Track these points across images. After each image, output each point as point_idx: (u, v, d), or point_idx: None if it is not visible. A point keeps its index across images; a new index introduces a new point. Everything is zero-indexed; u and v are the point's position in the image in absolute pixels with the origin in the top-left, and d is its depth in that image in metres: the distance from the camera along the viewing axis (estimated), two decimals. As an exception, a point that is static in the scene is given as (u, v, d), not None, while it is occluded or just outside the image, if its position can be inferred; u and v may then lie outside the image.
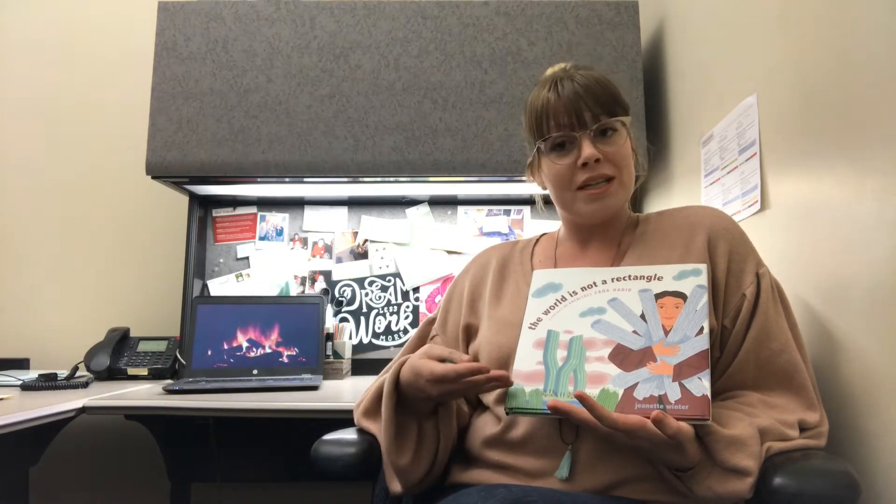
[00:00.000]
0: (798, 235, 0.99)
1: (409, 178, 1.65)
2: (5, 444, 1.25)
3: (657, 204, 1.69)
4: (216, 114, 1.62)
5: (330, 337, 1.67)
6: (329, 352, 1.65)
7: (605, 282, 0.80)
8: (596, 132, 0.83)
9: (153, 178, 1.63)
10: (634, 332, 0.74)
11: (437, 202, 1.91)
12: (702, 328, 0.71)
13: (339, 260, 1.89)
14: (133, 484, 1.85)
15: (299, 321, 1.63)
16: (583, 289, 0.81)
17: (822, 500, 0.66)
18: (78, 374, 1.53)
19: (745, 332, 0.78)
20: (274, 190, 1.80)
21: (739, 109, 1.18)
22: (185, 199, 1.83)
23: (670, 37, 1.62)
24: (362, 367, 1.76)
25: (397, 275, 1.87)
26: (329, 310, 1.75)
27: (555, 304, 0.81)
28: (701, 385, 0.66)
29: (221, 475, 1.63)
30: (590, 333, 0.76)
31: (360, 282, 1.87)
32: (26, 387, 1.39)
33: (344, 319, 1.83)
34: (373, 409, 0.88)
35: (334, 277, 1.88)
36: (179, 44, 1.65)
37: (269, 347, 1.61)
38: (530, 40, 1.65)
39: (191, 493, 1.75)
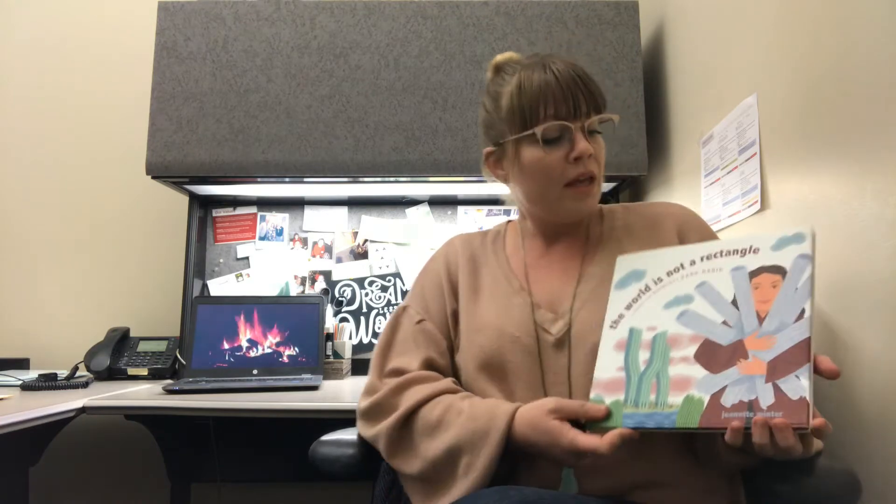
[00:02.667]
0: (798, 235, 0.99)
1: (409, 178, 1.65)
2: (5, 444, 1.25)
3: (657, 204, 1.68)
4: (216, 114, 1.62)
5: (330, 337, 1.67)
6: (329, 352, 1.65)
7: (693, 262, 0.72)
8: (587, 127, 0.80)
9: (153, 178, 1.63)
10: (724, 322, 0.65)
11: (437, 202, 1.91)
12: (802, 311, 0.61)
13: (339, 260, 1.89)
14: (133, 484, 1.85)
15: (299, 321, 1.63)
16: (668, 274, 0.73)
17: (824, 499, 0.66)
18: (78, 374, 1.53)
19: None
20: (274, 190, 1.80)
21: (739, 109, 1.18)
22: (185, 199, 1.83)
23: (670, 37, 1.62)
24: (362, 367, 1.76)
25: (397, 275, 1.87)
26: (329, 310, 1.75)
27: (638, 295, 0.74)
28: (798, 385, 0.57)
29: (221, 475, 1.63)
30: (675, 328, 0.68)
31: (360, 282, 1.87)
32: (26, 387, 1.39)
33: (344, 319, 1.83)
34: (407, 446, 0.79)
35: (334, 277, 1.88)
36: (179, 44, 1.65)
37: (269, 347, 1.61)
38: (530, 40, 1.65)
39: (191, 493, 1.75)
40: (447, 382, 0.82)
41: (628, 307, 0.74)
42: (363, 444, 0.84)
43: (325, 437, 0.87)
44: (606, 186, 1.78)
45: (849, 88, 0.87)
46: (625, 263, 0.78)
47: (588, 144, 0.79)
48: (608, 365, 0.71)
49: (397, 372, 0.84)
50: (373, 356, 0.89)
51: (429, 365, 0.85)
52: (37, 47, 2.06)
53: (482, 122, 0.90)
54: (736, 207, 1.19)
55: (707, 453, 0.71)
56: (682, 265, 0.72)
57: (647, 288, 0.73)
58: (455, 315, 0.89)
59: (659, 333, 0.69)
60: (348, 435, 0.87)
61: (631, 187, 1.84)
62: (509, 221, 0.98)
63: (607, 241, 0.86)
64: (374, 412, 0.82)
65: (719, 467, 0.72)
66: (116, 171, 1.98)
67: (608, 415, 0.67)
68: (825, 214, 0.91)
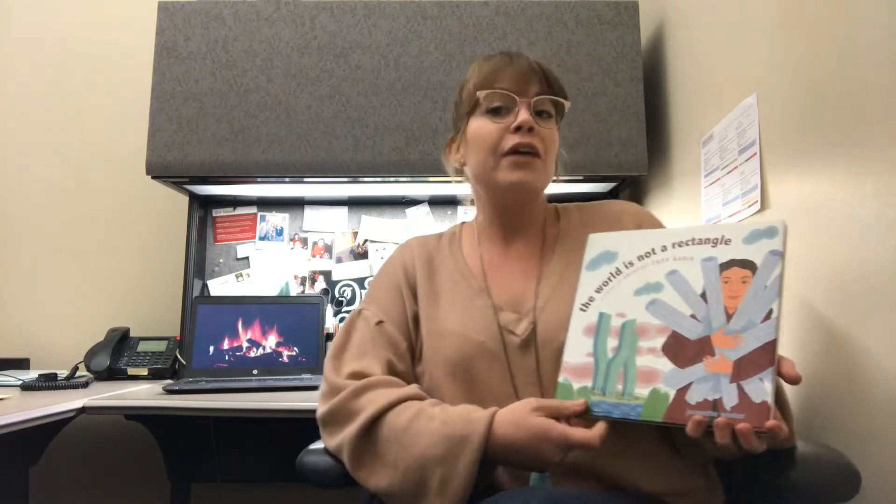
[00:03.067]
0: (798, 235, 0.98)
1: (409, 178, 1.65)
2: (5, 444, 1.25)
3: (657, 204, 1.69)
4: (216, 114, 1.62)
5: (330, 337, 1.67)
6: (329, 352, 1.65)
7: (664, 248, 0.71)
8: (535, 107, 0.83)
9: (153, 178, 1.63)
10: (693, 315, 0.66)
11: (437, 202, 1.91)
12: (770, 311, 0.61)
13: (339, 260, 1.89)
14: (133, 484, 1.85)
15: (299, 321, 1.63)
16: (640, 258, 0.72)
17: (823, 491, 0.67)
18: (78, 374, 1.52)
19: None
20: (274, 190, 1.80)
21: (739, 109, 1.18)
22: (185, 199, 1.83)
23: (670, 37, 1.62)
24: (362, 367, 1.76)
25: (397, 275, 1.87)
26: (329, 310, 1.75)
27: (608, 278, 0.73)
28: (761, 388, 0.58)
29: (221, 475, 1.63)
30: (644, 317, 0.68)
31: (360, 282, 1.87)
32: (26, 387, 1.39)
33: (344, 319, 1.83)
34: (371, 461, 0.73)
35: (334, 277, 1.88)
36: (179, 44, 1.65)
37: (269, 347, 1.60)
38: (530, 40, 1.65)
39: (191, 493, 1.75)
40: (414, 388, 0.78)
41: (598, 290, 0.73)
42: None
43: (315, 447, 0.83)
44: (606, 186, 1.78)
45: (849, 88, 0.87)
46: (596, 243, 0.77)
47: (531, 118, 0.81)
48: (577, 349, 0.71)
49: (357, 375, 0.79)
50: (326, 359, 0.85)
51: (390, 369, 0.82)
52: (37, 47, 2.06)
53: (451, 116, 0.93)
54: (736, 207, 1.19)
55: (686, 442, 0.71)
56: (653, 250, 0.72)
57: (619, 271, 0.73)
58: (416, 318, 0.86)
59: (628, 321, 0.69)
60: None
61: (631, 187, 1.84)
62: (464, 223, 0.98)
63: (564, 239, 0.87)
64: (334, 419, 0.77)
65: (697, 456, 0.73)
66: (116, 171, 1.98)
67: (586, 408, 0.67)
68: (825, 214, 0.91)
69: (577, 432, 0.64)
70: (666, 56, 1.64)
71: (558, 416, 0.67)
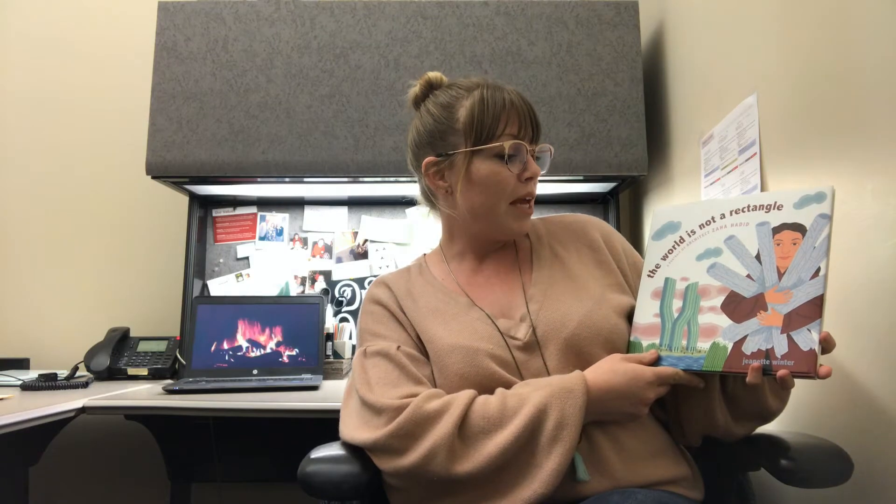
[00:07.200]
0: (798, 235, 0.99)
1: (409, 179, 1.64)
2: (5, 444, 1.24)
3: (657, 204, 1.68)
4: (216, 114, 1.62)
5: (330, 337, 1.67)
6: (329, 352, 1.65)
7: (723, 216, 0.78)
8: (535, 152, 0.86)
9: (153, 178, 1.63)
10: (748, 276, 0.72)
11: (437, 202, 1.91)
12: (818, 269, 0.67)
13: (339, 260, 1.89)
14: (133, 484, 1.85)
15: (299, 321, 1.63)
16: (701, 226, 0.79)
17: (817, 476, 0.70)
18: (78, 374, 1.53)
19: None
20: (274, 190, 1.80)
21: (739, 109, 1.18)
22: (185, 199, 1.83)
23: (670, 37, 1.62)
24: (362, 367, 1.76)
25: (397, 275, 1.87)
26: (329, 310, 1.75)
27: (673, 247, 0.81)
28: (809, 338, 0.65)
29: (221, 475, 1.63)
30: (705, 280, 0.76)
31: (360, 282, 1.87)
32: (26, 387, 1.39)
33: (344, 319, 1.83)
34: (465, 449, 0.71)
35: (334, 277, 1.88)
36: (179, 44, 1.65)
37: (269, 347, 1.60)
38: (530, 40, 1.65)
39: (191, 493, 1.75)
40: (473, 391, 0.76)
41: (664, 258, 0.81)
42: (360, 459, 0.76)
43: (318, 454, 0.79)
44: (606, 186, 1.78)
45: (849, 88, 0.87)
46: (661, 215, 0.84)
47: (538, 167, 0.85)
48: (646, 311, 0.80)
49: (406, 397, 0.76)
50: (357, 402, 0.80)
51: (431, 384, 0.80)
52: (37, 47, 2.06)
53: (427, 131, 0.88)
54: (736, 207, 1.19)
55: (693, 422, 0.80)
56: (713, 218, 0.79)
57: (682, 240, 0.80)
58: (419, 339, 0.84)
59: (691, 284, 0.77)
60: (340, 449, 0.80)
61: (631, 187, 1.84)
62: (425, 254, 0.99)
63: (539, 249, 0.91)
64: (407, 433, 0.72)
65: (747, 405, 0.77)
66: (116, 171, 1.98)
67: (658, 359, 0.76)
68: (825, 214, 0.91)
69: (664, 369, 0.73)
70: (666, 56, 1.64)
71: (640, 362, 0.75)
